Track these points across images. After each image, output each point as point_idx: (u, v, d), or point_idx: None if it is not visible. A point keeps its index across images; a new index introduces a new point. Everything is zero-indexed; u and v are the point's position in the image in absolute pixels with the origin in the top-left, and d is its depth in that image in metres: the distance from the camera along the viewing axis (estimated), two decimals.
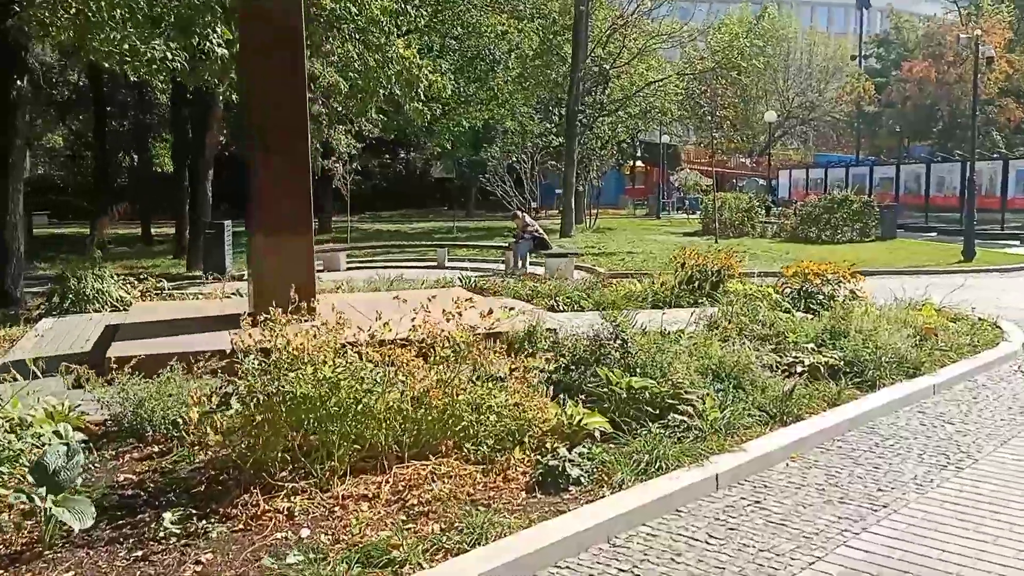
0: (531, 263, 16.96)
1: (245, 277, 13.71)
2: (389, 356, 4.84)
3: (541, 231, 17.42)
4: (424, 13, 17.07)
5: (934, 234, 27.37)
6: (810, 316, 8.50)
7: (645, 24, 27.72)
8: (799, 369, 6.83)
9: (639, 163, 53.59)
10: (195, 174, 20.57)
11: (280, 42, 7.66)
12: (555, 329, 6.89)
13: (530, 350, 6.55)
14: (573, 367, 6.11)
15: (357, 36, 16.10)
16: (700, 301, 10.57)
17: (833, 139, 59.96)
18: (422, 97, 16.95)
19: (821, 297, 9.10)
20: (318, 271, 17.84)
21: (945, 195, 30.26)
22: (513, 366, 5.44)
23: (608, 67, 28.06)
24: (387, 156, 47.10)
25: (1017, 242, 24.15)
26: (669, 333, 7.06)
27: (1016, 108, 40.72)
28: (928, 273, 16.80)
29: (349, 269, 17.52)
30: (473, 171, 26.70)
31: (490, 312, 5.58)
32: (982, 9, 41.02)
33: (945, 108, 40.74)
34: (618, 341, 6.39)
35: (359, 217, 43.79)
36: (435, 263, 18.45)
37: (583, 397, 5.37)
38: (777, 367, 6.75)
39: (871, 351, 7.06)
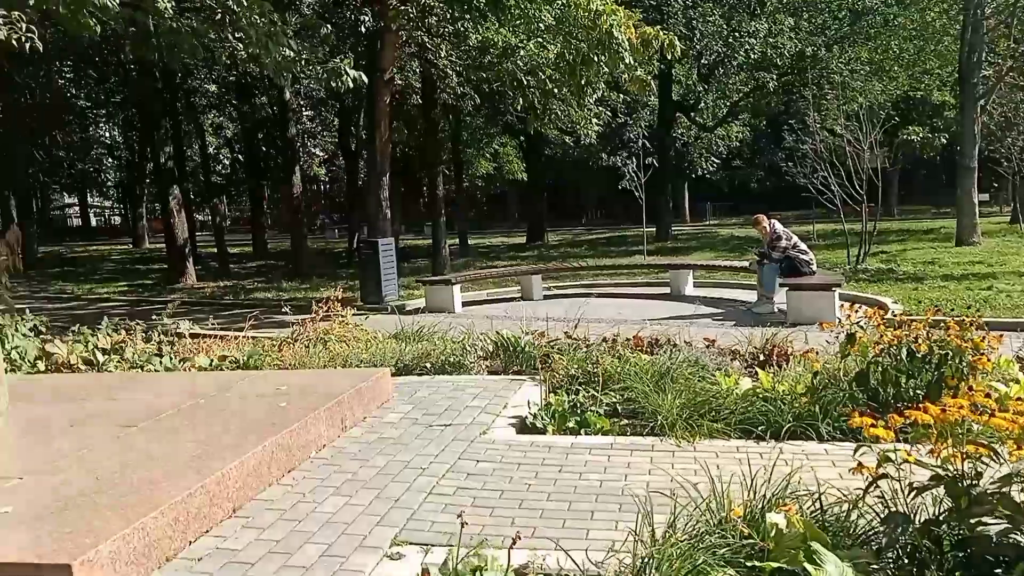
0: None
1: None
2: None
3: (801, 245, 11.24)
4: None
5: None
6: None
7: None
8: None
9: None
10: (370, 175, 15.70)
11: None
12: None
13: None
14: None
15: None
16: (859, 433, 4.52)
17: None
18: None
19: None
20: (512, 299, 13.37)
21: None
22: None
23: None
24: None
25: None
26: None
27: None
28: None
29: (547, 298, 13.45)
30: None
31: None
32: None
33: None
34: None
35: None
36: (668, 291, 13.34)
37: None
38: None
39: None
